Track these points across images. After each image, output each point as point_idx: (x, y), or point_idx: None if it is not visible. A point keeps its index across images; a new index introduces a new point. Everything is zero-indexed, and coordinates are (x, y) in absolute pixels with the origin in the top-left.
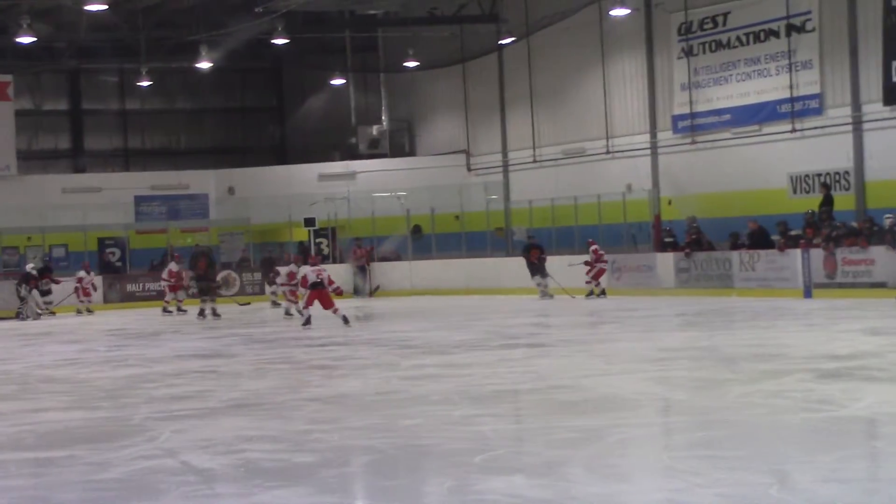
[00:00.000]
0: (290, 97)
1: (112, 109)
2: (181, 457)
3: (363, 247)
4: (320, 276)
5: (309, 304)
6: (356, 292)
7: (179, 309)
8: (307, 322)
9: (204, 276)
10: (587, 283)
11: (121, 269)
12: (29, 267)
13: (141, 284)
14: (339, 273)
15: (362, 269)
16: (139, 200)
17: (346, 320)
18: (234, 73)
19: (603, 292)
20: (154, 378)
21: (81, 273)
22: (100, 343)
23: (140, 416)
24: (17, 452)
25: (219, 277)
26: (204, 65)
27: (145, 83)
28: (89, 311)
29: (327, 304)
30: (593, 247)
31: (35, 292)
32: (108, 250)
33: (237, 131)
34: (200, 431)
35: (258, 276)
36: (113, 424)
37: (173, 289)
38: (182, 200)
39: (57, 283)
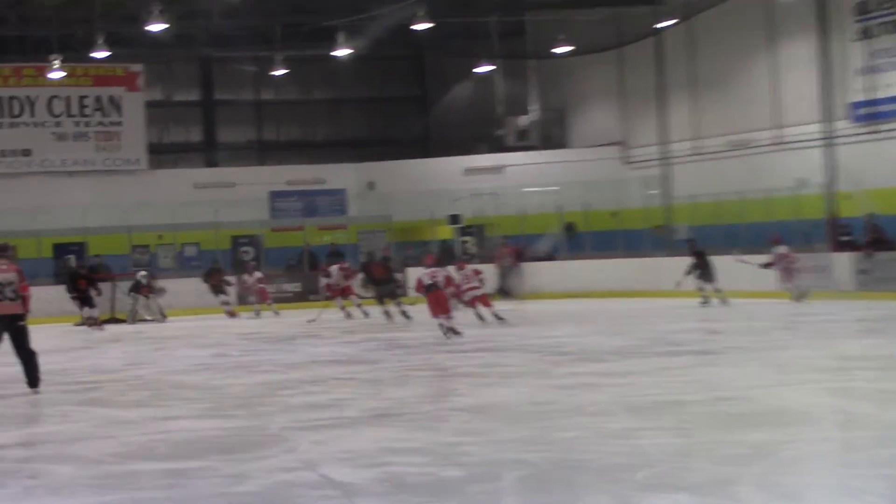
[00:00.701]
0: (434, 86)
1: (246, 100)
2: (321, 469)
3: (508, 245)
4: (435, 279)
5: (436, 312)
6: (504, 295)
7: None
8: (451, 331)
9: (382, 280)
10: (786, 287)
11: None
12: (140, 275)
13: (277, 285)
14: (491, 275)
15: (510, 270)
16: (274, 196)
17: (453, 332)
18: (374, 60)
19: (803, 295)
20: (291, 385)
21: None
22: (233, 347)
23: (277, 426)
24: (148, 463)
25: (360, 276)
26: (342, 52)
27: (281, 72)
28: (276, 312)
29: (437, 310)
30: (780, 247)
31: (145, 297)
32: (241, 249)
33: (377, 123)
34: (341, 443)
35: (399, 277)
36: (248, 434)
37: (341, 292)
38: (319, 196)
39: (228, 284)
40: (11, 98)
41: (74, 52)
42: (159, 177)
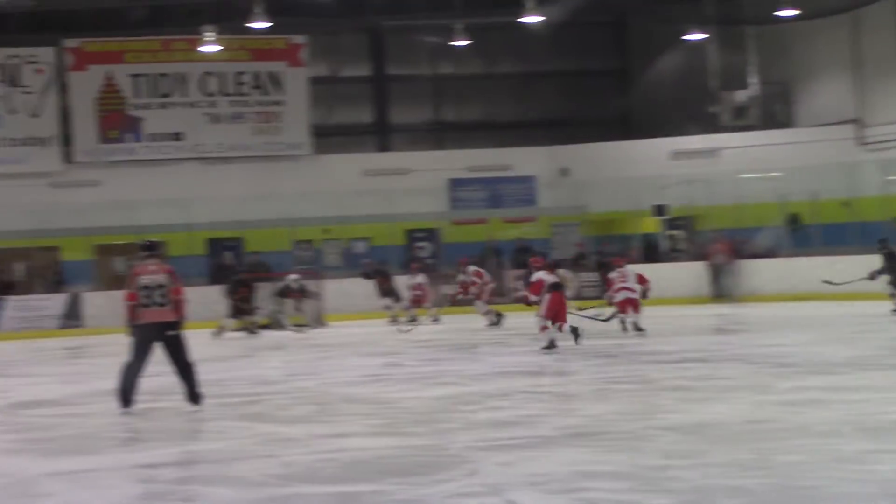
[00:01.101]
0: (637, 58)
1: (422, 75)
2: (508, 494)
3: (723, 240)
4: (559, 277)
5: (549, 314)
6: (718, 297)
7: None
8: (551, 344)
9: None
10: None
11: (433, 267)
12: (291, 278)
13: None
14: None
15: (724, 269)
16: (454, 184)
17: (553, 346)
18: (569, 29)
19: None
20: (474, 399)
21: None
22: (408, 356)
23: (458, 445)
24: (316, 485)
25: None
26: (532, 20)
27: (462, 43)
28: (435, 319)
29: (553, 315)
30: None
31: (296, 301)
32: (417, 244)
33: (572, 100)
34: (530, 465)
35: (596, 276)
36: (427, 454)
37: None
38: (505, 184)
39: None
40: (161, 75)
41: (230, 22)
42: (325, 163)
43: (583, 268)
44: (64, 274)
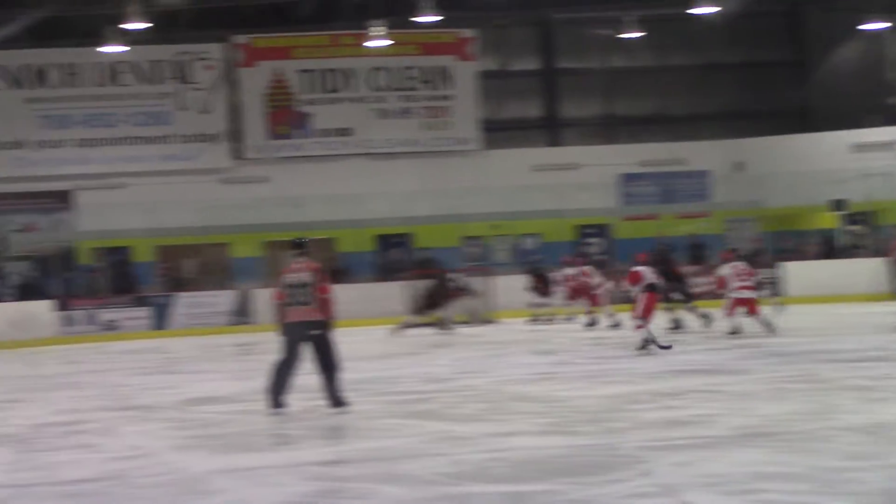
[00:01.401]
0: (815, 48)
1: (593, 68)
2: (683, 496)
3: None
4: (659, 280)
5: (645, 313)
6: None
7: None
8: (646, 344)
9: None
10: None
11: (604, 264)
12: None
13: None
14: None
15: None
16: (625, 179)
17: (656, 343)
18: (744, 20)
19: None
20: (647, 398)
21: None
22: (579, 354)
23: (630, 445)
24: (485, 485)
25: None
26: (706, 11)
27: (634, 35)
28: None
29: (645, 313)
30: None
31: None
32: (586, 240)
33: (747, 93)
34: (705, 465)
35: (772, 273)
36: (598, 454)
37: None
38: (678, 179)
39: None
40: (328, 71)
41: (398, 16)
42: (493, 158)
43: (759, 264)
44: (233, 270)
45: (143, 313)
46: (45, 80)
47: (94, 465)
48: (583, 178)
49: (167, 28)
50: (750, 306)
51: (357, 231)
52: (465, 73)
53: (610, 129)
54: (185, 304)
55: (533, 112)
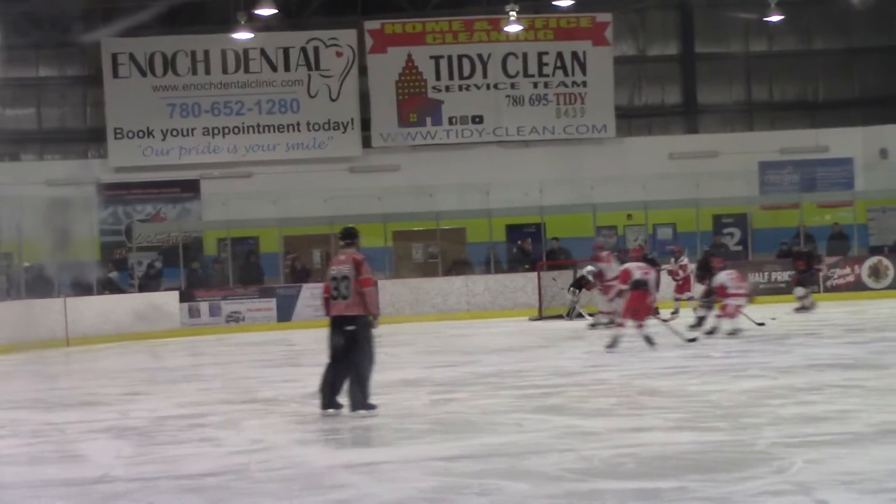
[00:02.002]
0: None
1: (733, 53)
2: (818, 494)
3: None
4: (647, 276)
5: (627, 313)
6: None
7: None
8: (648, 340)
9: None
10: None
11: (740, 255)
12: (587, 270)
13: (767, 274)
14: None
15: None
16: (764, 167)
17: (649, 342)
18: (890, 1)
19: None
20: (782, 393)
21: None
22: (714, 347)
23: (765, 441)
24: (615, 481)
25: (867, 264)
26: None
27: (776, 18)
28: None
29: (633, 314)
30: None
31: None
32: (724, 230)
33: (892, 77)
34: (842, 463)
35: None
36: (732, 450)
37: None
38: (819, 167)
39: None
40: (461, 56)
41: (533, 1)
42: (629, 145)
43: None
44: None
45: (268, 305)
46: (173, 67)
47: (216, 458)
48: (721, 166)
49: (297, 14)
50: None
51: (488, 220)
52: (601, 59)
53: (749, 116)
54: (311, 295)
55: (670, 98)
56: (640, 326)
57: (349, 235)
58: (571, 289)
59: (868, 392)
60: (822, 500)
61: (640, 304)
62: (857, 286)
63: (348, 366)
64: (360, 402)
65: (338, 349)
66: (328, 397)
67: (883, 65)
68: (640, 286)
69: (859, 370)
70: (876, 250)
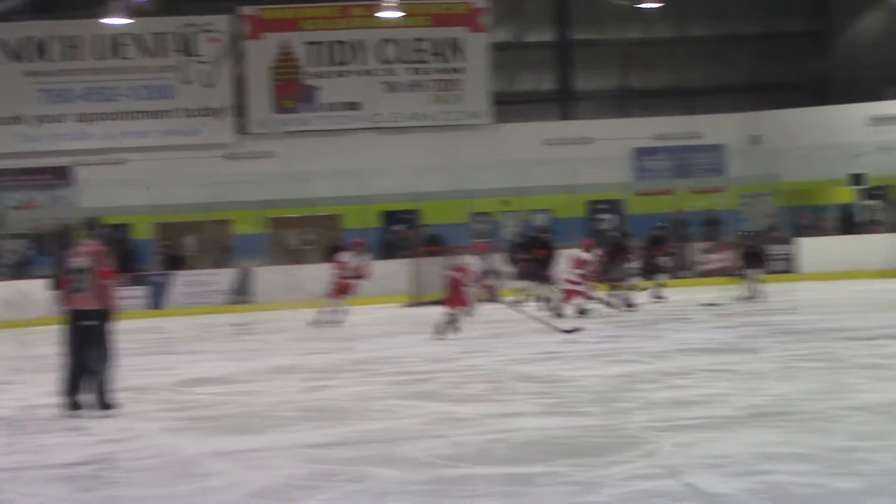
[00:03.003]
0: (838, 19)
1: (608, 40)
2: (686, 478)
3: None
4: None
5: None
6: None
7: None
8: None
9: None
10: None
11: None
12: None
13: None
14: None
15: None
16: (639, 153)
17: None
18: None
19: None
20: (653, 378)
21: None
22: (587, 333)
23: (635, 426)
24: (486, 466)
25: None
26: None
27: (651, 6)
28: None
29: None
30: None
31: None
32: (598, 216)
33: (767, 65)
34: (711, 446)
35: (787, 249)
36: (602, 434)
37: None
38: (693, 153)
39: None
40: (337, 43)
41: None
42: (505, 132)
43: (775, 239)
44: (236, 248)
45: (140, 292)
46: (45, 53)
47: (85, 447)
48: (596, 152)
49: None
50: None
51: (363, 207)
52: (477, 45)
53: (624, 103)
54: (184, 282)
55: (546, 85)
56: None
57: (91, 226)
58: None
59: (736, 376)
60: (691, 483)
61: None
62: (730, 270)
63: (88, 362)
64: (107, 400)
65: (76, 345)
66: (71, 397)
67: (756, 52)
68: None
69: (729, 354)
70: (748, 235)
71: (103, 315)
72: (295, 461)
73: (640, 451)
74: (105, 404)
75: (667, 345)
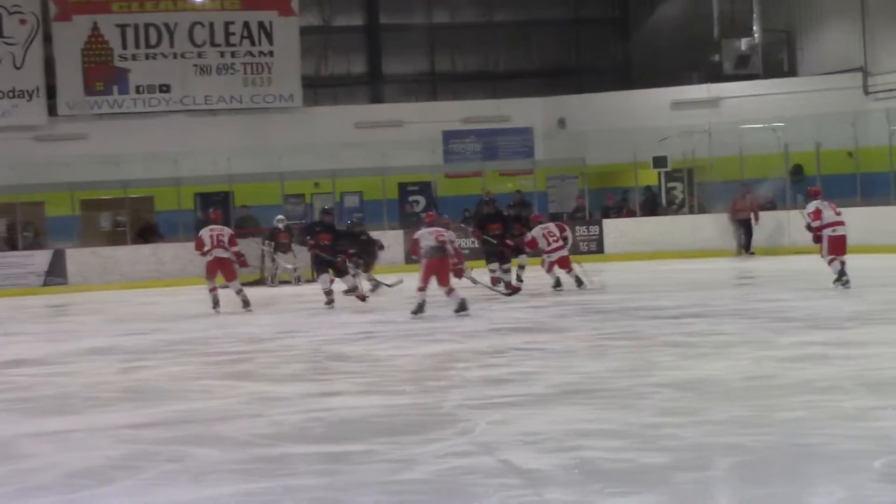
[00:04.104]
0: (638, 5)
1: (416, 24)
2: (500, 454)
3: (750, 195)
4: (441, 240)
5: (424, 281)
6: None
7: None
8: (419, 310)
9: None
10: None
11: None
12: (277, 218)
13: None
14: (697, 227)
15: (745, 224)
16: (448, 136)
17: (463, 307)
18: None
19: None
20: (467, 357)
21: None
22: (398, 313)
23: (450, 404)
24: (304, 445)
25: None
26: None
27: None
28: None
29: (444, 280)
30: None
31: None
32: (410, 199)
33: (570, 50)
34: (524, 423)
35: (594, 230)
36: (417, 412)
37: None
38: (501, 136)
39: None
40: (148, 25)
41: None
42: (316, 115)
43: (581, 221)
44: (48, 230)
45: None
46: None
47: None
48: (406, 135)
49: None
50: (563, 263)
51: (176, 189)
52: (287, 29)
53: (433, 86)
54: None
55: (356, 69)
56: (451, 291)
57: None
58: (267, 243)
59: (548, 354)
60: (506, 460)
61: (438, 269)
62: (538, 252)
63: None
64: None
65: None
66: None
67: (560, 37)
68: (436, 253)
69: (541, 333)
70: (556, 216)
71: None
72: (113, 441)
73: (455, 428)
74: None
75: (480, 324)
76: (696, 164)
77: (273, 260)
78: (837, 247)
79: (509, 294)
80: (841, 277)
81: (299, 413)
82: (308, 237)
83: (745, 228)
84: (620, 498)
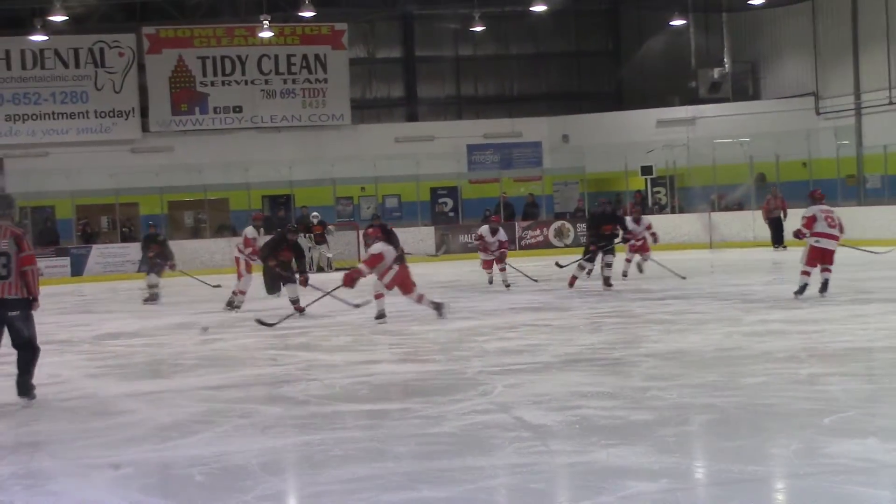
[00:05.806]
0: (628, 40)
1: (445, 56)
2: (515, 412)
3: (779, 195)
4: (400, 250)
5: (391, 286)
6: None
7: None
8: (380, 316)
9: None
10: None
11: (453, 220)
12: (312, 216)
13: (473, 235)
14: (678, 225)
15: (776, 222)
16: (471, 149)
17: (440, 311)
18: (570, 16)
19: None
20: (486, 331)
21: None
22: (431, 295)
23: (473, 370)
24: (352, 404)
25: (553, 227)
26: (539, 8)
27: (479, 28)
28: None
29: (407, 288)
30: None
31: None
32: (440, 200)
33: (572, 77)
34: (534, 386)
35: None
36: (446, 377)
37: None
38: (515, 148)
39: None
40: (224, 57)
41: (283, 11)
42: (362, 131)
43: (580, 220)
44: (141, 226)
45: (62, 262)
46: None
47: None
48: (436, 148)
49: (85, 20)
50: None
51: (247, 193)
52: (339, 60)
53: (459, 107)
54: (100, 254)
55: (395, 93)
56: (420, 298)
57: (9, 204)
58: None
59: (553, 329)
60: (519, 416)
61: (402, 279)
62: (546, 244)
63: (17, 348)
64: (27, 385)
65: None
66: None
67: (564, 67)
68: (401, 261)
69: (547, 312)
70: (560, 216)
71: (26, 303)
72: (194, 401)
73: (477, 391)
74: (28, 392)
75: (498, 304)
76: (677, 172)
77: (310, 249)
78: (817, 258)
79: (608, 288)
80: (802, 291)
81: (348, 377)
82: (270, 252)
83: (776, 225)
84: (613, 448)
